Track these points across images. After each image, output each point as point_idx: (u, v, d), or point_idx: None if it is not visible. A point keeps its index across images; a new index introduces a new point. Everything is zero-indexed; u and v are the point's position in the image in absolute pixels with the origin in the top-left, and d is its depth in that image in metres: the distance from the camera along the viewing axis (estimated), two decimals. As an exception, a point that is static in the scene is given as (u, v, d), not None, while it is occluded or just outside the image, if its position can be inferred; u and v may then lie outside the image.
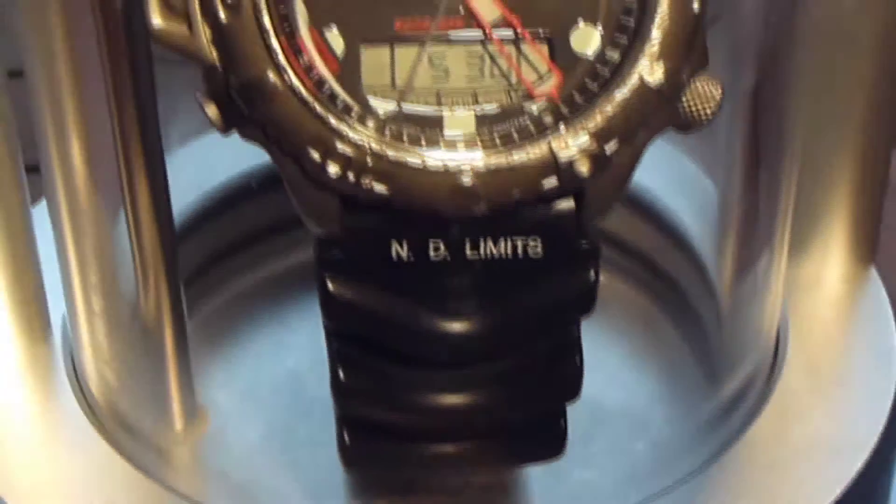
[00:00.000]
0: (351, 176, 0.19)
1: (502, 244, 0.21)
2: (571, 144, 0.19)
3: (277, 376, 0.31)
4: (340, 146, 0.19)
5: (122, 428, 0.29)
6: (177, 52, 0.19)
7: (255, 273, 0.34)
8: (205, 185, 0.33)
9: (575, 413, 0.24)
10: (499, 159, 0.19)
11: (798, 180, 0.29)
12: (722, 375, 0.30)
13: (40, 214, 0.27)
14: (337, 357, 0.22)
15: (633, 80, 0.19)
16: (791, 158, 0.28)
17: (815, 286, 0.34)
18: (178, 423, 0.28)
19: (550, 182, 0.19)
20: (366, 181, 0.19)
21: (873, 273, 0.33)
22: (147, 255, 0.25)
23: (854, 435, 0.29)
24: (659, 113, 0.20)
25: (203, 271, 0.32)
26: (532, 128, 0.19)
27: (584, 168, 0.19)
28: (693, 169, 0.33)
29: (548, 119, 0.19)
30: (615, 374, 0.32)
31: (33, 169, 0.26)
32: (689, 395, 0.32)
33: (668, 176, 0.32)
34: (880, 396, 0.30)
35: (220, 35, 0.18)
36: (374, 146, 0.19)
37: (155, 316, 0.26)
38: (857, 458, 0.28)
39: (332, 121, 0.19)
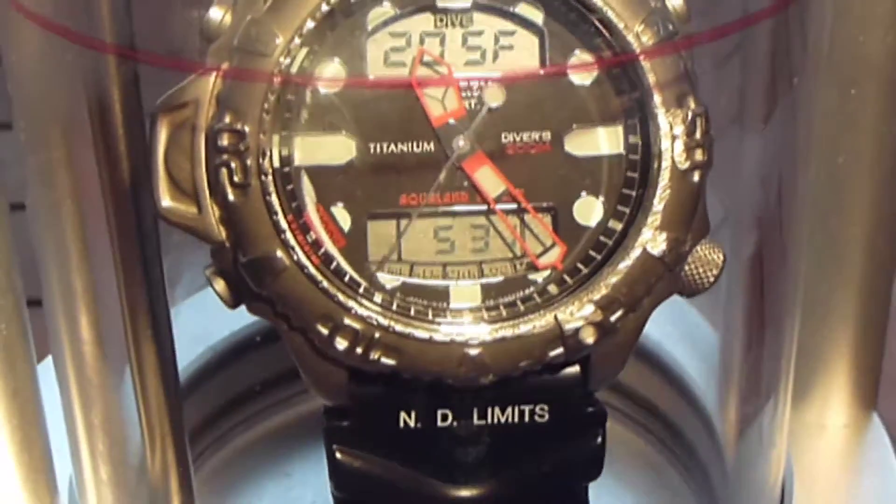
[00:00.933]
0: (359, 350, 0.19)
1: (509, 411, 0.20)
2: (577, 315, 0.19)
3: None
4: (348, 321, 0.19)
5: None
6: (185, 231, 0.19)
7: (261, 424, 0.33)
8: (210, 338, 0.32)
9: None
10: (505, 331, 0.19)
11: (799, 330, 0.29)
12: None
13: (46, 370, 0.27)
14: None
15: (636, 251, 0.19)
16: (792, 310, 0.28)
17: (819, 434, 0.33)
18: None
19: (556, 352, 0.19)
20: (374, 354, 0.19)
21: (875, 419, 0.33)
22: (153, 418, 0.25)
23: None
24: (662, 281, 0.20)
25: (210, 423, 0.32)
26: (537, 298, 0.19)
27: (589, 337, 0.19)
28: (697, 319, 0.32)
29: (552, 289, 0.19)
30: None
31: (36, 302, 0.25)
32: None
33: (671, 326, 0.32)
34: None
35: (229, 214, 0.19)
36: (382, 320, 0.19)
37: (162, 478, 0.26)
38: None
39: (340, 296, 0.19)
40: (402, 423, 0.20)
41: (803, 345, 0.31)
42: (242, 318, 0.33)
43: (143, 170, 0.21)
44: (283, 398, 0.34)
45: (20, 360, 0.26)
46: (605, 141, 0.19)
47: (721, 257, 0.20)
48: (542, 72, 0.19)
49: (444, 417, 0.20)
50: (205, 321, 0.32)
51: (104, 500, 0.26)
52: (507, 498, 0.21)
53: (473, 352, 0.19)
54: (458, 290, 0.20)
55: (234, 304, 0.20)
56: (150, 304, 0.24)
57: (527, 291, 0.20)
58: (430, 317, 0.19)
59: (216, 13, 0.18)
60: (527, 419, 0.20)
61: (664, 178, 0.19)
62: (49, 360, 0.26)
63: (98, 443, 0.25)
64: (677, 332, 0.32)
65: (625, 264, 0.19)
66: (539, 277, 0.20)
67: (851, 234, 0.29)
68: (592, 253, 0.19)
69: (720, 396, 0.32)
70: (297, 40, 0.18)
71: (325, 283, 0.19)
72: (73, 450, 0.26)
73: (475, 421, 0.20)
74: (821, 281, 0.30)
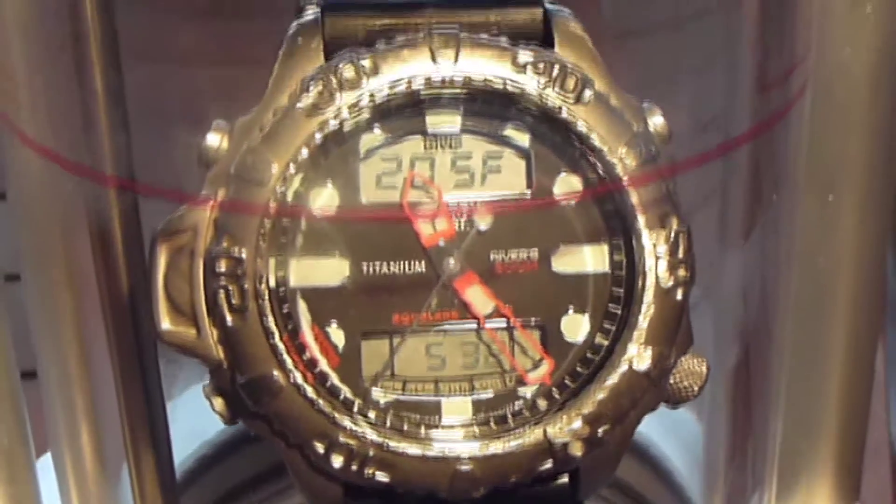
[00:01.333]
0: (354, 466, 0.19)
1: None
2: (565, 430, 0.19)
3: None
4: (343, 438, 0.19)
5: None
6: (183, 353, 0.19)
7: None
8: (206, 433, 0.32)
9: None
10: (495, 446, 0.19)
11: (783, 429, 0.29)
12: None
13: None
14: None
15: (622, 367, 0.19)
16: (775, 406, 0.28)
17: None
18: None
19: (546, 465, 0.19)
20: (368, 471, 0.19)
21: None
22: None
23: None
24: (648, 394, 0.20)
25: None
26: (526, 413, 0.20)
27: (577, 451, 0.19)
28: (684, 415, 0.32)
29: (541, 404, 0.20)
30: None
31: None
32: None
33: (658, 419, 0.32)
34: None
35: (227, 336, 0.19)
36: (376, 437, 0.19)
37: None
38: None
39: (335, 415, 0.19)
40: None
41: (787, 442, 0.31)
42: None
43: (142, 289, 0.21)
44: (278, 490, 0.34)
45: (21, 469, 0.26)
46: (590, 259, 0.20)
47: (705, 368, 0.20)
48: (529, 198, 0.19)
49: None
50: (201, 415, 0.33)
51: None
52: None
53: (465, 467, 0.19)
54: (449, 404, 0.20)
55: (231, 420, 0.20)
56: (148, 408, 0.24)
57: (516, 406, 0.20)
58: (423, 432, 0.19)
59: (213, 139, 0.19)
60: None
61: (648, 296, 0.19)
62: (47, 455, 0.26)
63: None
64: (665, 428, 0.33)
65: (611, 380, 0.19)
66: (528, 392, 0.20)
67: (832, 339, 0.30)
68: (580, 368, 0.20)
69: (706, 490, 0.32)
70: (292, 168, 0.18)
71: (321, 403, 0.19)
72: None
73: None
74: (803, 383, 0.30)
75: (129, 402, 0.23)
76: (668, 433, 0.33)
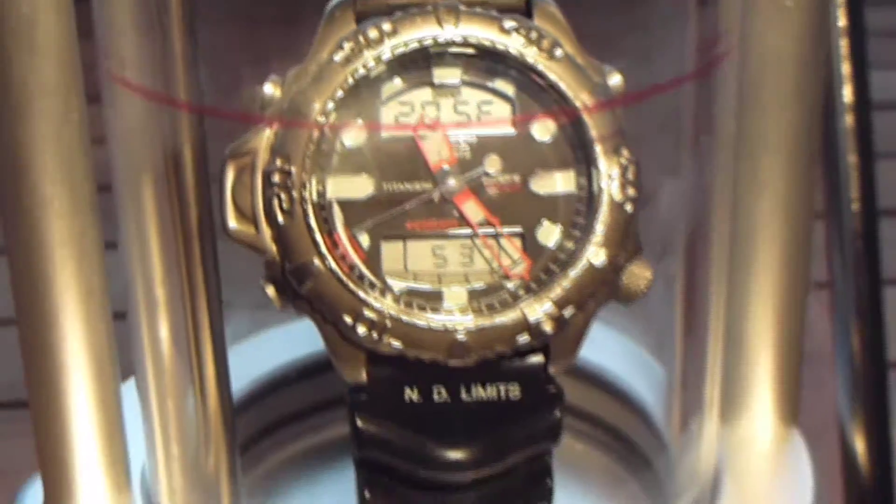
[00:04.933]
0: (374, 335, 0.23)
1: (489, 389, 0.24)
2: (539, 311, 0.23)
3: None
4: (367, 313, 0.23)
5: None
6: (246, 247, 0.23)
7: (295, 446, 0.37)
8: (255, 374, 0.36)
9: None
10: (484, 322, 0.23)
11: (725, 356, 0.33)
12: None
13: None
14: (364, 482, 0.25)
15: (583, 263, 0.23)
16: (716, 338, 0.32)
17: (748, 446, 0.35)
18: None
19: (523, 338, 0.23)
20: (385, 339, 0.23)
21: (796, 434, 0.36)
22: (211, 428, 0.29)
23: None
24: (604, 288, 0.24)
25: (256, 441, 0.35)
26: (509, 299, 0.23)
27: (548, 327, 0.23)
28: (649, 360, 0.37)
29: (521, 292, 0.24)
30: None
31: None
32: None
33: (627, 360, 0.36)
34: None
35: (279, 233, 0.23)
36: (393, 313, 0.23)
37: (215, 476, 0.30)
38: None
39: (361, 294, 0.23)
40: (406, 398, 0.24)
41: (729, 370, 0.34)
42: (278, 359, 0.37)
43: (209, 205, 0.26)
44: (314, 426, 0.37)
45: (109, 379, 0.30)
46: (560, 182, 0.24)
47: (650, 273, 0.24)
48: (513, 134, 0.24)
49: (439, 393, 0.24)
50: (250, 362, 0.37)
51: (174, 481, 0.30)
52: (489, 460, 0.24)
53: (460, 337, 0.23)
54: (449, 293, 0.24)
55: (281, 305, 0.24)
56: (213, 324, 0.28)
57: (501, 294, 0.24)
58: (428, 312, 0.23)
59: (269, 89, 0.23)
60: (503, 395, 0.24)
61: (604, 209, 0.23)
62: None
63: (171, 445, 0.29)
64: (635, 369, 0.36)
65: (575, 273, 0.23)
66: (511, 285, 0.24)
67: (764, 277, 0.32)
68: (551, 266, 0.24)
69: (667, 418, 0.35)
70: (330, 105, 0.22)
71: (351, 285, 0.23)
72: (149, 446, 0.30)
73: (463, 396, 0.24)
74: (742, 310, 0.33)
75: (196, 312, 0.28)
76: (640, 377, 0.36)
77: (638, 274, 0.24)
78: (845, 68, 0.39)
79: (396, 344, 0.23)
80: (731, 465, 0.35)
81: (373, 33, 0.23)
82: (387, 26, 0.23)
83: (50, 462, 0.30)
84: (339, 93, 0.22)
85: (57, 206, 0.26)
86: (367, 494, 0.25)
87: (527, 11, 0.24)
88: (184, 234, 0.26)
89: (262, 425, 0.37)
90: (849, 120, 0.40)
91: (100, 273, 0.28)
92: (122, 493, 0.32)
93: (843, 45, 0.39)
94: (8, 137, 0.26)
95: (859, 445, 0.42)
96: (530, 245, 0.24)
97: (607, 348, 0.36)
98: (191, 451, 0.30)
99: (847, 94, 0.40)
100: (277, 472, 0.36)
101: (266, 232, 0.23)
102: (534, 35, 0.23)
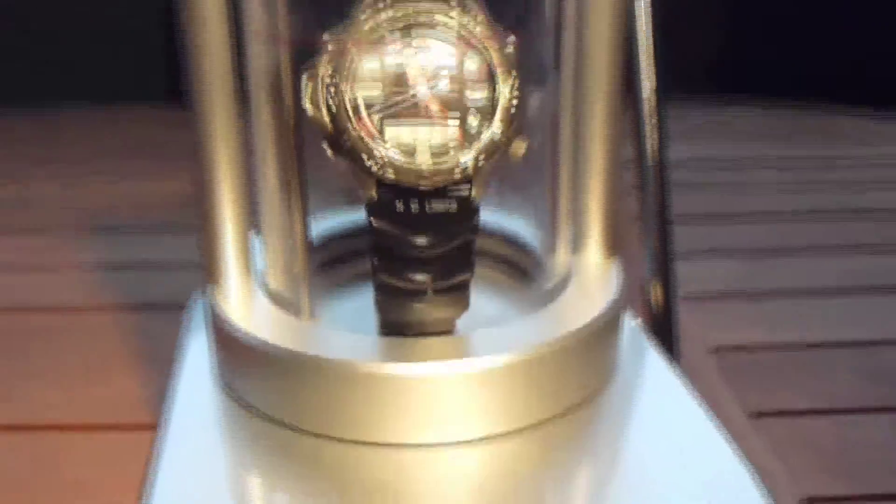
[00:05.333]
0: (380, 170, 0.39)
1: (441, 204, 0.39)
2: (466, 159, 0.39)
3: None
4: (376, 157, 0.39)
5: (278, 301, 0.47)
6: (314, 124, 0.39)
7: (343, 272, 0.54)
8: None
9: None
10: (439, 165, 0.39)
11: (572, 213, 0.49)
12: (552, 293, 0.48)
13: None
14: (374, 255, 0.41)
15: (489, 135, 0.39)
16: (565, 201, 0.48)
17: (586, 265, 0.50)
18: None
19: (457, 174, 0.39)
20: (385, 172, 0.39)
21: (615, 261, 0.50)
22: (298, 252, 0.46)
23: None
24: (500, 149, 0.39)
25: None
26: (451, 152, 0.39)
27: (471, 169, 0.39)
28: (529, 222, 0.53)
29: (457, 149, 0.39)
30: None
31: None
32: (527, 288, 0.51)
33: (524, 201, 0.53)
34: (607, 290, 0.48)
35: (331, 115, 0.39)
36: (388, 158, 0.39)
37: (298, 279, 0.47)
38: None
39: (373, 148, 0.38)
40: (397, 208, 0.38)
41: (576, 221, 0.50)
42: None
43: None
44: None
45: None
46: (480, 93, 0.38)
47: (525, 144, 0.40)
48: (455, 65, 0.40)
49: (414, 205, 0.38)
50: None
51: (276, 280, 0.47)
52: (441, 243, 0.39)
53: (426, 172, 0.38)
54: (420, 150, 0.38)
55: (335, 156, 0.39)
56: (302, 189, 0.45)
57: (447, 150, 0.38)
58: (408, 158, 0.38)
59: (326, 37, 0.38)
60: (449, 208, 0.38)
61: (502, 106, 0.38)
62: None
63: (276, 257, 0.47)
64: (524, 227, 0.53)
65: (485, 140, 0.38)
66: (452, 144, 0.38)
67: (595, 138, 0.48)
68: (473, 136, 0.38)
69: (542, 251, 0.51)
70: (356, 48, 0.38)
71: (369, 142, 0.37)
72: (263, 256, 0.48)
73: (426, 208, 0.38)
74: (581, 183, 0.49)
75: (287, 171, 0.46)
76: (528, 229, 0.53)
77: (518, 144, 0.40)
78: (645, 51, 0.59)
79: (391, 175, 0.38)
80: (576, 274, 0.50)
81: (382, 4, 0.38)
82: (388, 2, 0.38)
83: (210, 258, 0.47)
84: (363, 40, 0.39)
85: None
86: (375, 262, 0.41)
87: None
88: (283, 124, 0.44)
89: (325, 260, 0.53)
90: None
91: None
92: (247, 281, 0.48)
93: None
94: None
95: (655, 290, 0.61)
96: (463, 125, 0.38)
97: (504, 221, 0.53)
98: (286, 264, 0.46)
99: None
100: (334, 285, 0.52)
101: (325, 114, 0.38)
102: (466, 7, 0.38)
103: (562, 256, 0.50)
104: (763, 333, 0.88)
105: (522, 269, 0.53)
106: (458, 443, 0.41)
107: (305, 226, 0.46)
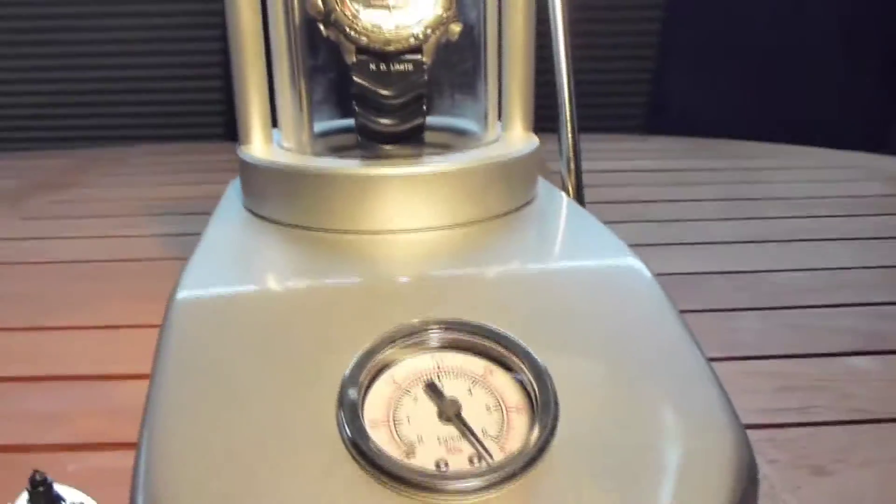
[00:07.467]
0: (358, 36, 0.54)
1: (401, 64, 0.54)
2: (418, 28, 0.56)
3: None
4: (356, 27, 0.55)
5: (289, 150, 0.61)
6: (311, 12, 0.57)
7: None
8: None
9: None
10: (399, 31, 0.55)
11: (501, 97, 0.65)
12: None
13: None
14: (355, 102, 0.53)
15: (434, 13, 0.56)
16: (493, 88, 0.64)
17: (511, 138, 0.62)
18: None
19: (413, 40, 0.55)
20: (363, 38, 0.55)
21: (531, 134, 0.63)
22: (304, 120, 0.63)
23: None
24: (443, 27, 0.56)
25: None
26: (410, 20, 0.56)
27: (422, 36, 0.55)
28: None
29: (412, 23, 0.57)
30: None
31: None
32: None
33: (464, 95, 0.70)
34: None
35: (325, 2, 0.56)
36: (365, 27, 0.55)
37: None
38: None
39: (353, 21, 0.55)
40: (371, 68, 0.51)
41: (503, 93, 0.64)
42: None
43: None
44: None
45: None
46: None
47: (460, 27, 0.57)
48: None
49: (383, 66, 0.51)
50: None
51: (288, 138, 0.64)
52: (402, 93, 0.51)
53: (389, 37, 0.54)
54: (385, 24, 0.54)
55: (325, 32, 0.57)
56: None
57: (406, 25, 0.56)
58: (380, 29, 0.57)
59: None
60: (406, 67, 0.52)
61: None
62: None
63: (288, 121, 0.63)
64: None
65: (432, 16, 0.54)
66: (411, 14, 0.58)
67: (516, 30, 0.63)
68: (424, 18, 0.56)
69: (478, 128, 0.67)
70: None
71: (350, 17, 0.55)
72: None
73: (392, 68, 0.51)
74: (507, 52, 0.63)
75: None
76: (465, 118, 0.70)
77: (455, 25, 0.57)
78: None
79: (365, 41, 0.54)
80: (503, 140, 0.62)
81: None
82: None
83: (242, 128, 0.61)
84: None
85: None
86: (356, 108, 0.53)
87: None
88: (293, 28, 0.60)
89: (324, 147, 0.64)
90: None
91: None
92: (267, 140, 0.62)
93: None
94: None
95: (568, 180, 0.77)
96: (416, 10, 0.53)
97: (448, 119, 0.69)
98: (295, 131, 0.62)
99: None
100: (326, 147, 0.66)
101: (319, 1, 0.55)
102: None
103: (491, 130, 0.63)
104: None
105: (464, 141, 0.64)
106: (416, 229, 0.54)
107: (310, 108, 0.61)
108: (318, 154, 0.59)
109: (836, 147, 1.92)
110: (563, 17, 0.74)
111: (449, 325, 0.42)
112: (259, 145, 0.61)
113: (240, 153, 0.60)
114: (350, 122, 0.56)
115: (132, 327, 0.87)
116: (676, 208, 1.41)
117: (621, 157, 1.91)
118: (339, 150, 0.60)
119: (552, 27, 0.74)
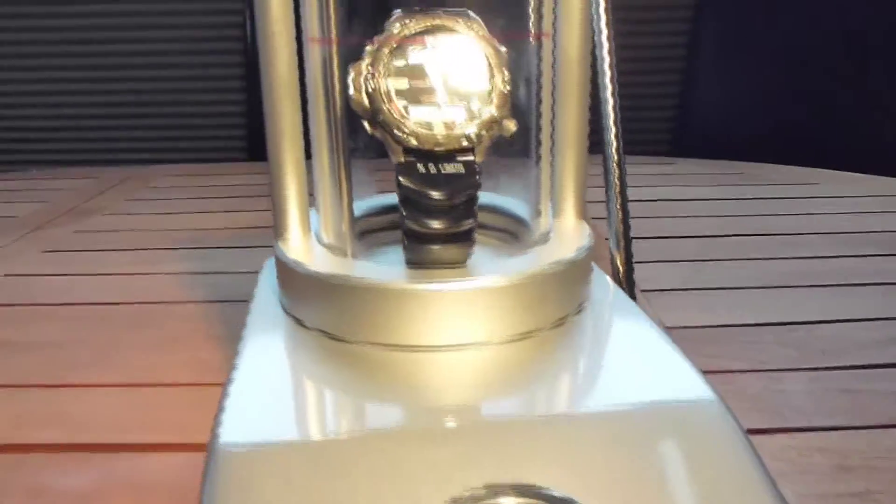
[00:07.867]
0: (406, 138, 0.49)
1: (452, 166, 0.48)
2: (471, 130, 0.50)
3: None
4: (404, 129, 0.50)
5: (329, 249, 0.57)
6: (355, 107, 0.52)
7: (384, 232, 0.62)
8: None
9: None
10: (449, 133, 0.49)
11: (553, 187, 0.60)
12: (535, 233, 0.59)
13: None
14: (402, 206, 0.47)
15: (488, 113, 0.50)
16: (546, 177, 0.58)
17: (563, 226, 0.59)
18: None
19: (465, 142, 0.49)
20: (412, 139, 0.49)
21: (585, 224, 0.59)
22: (344, 216, 0.58)
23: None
24: (496, 125, 0.50)
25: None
26: (459, 125, 0.50)
27: (474, 137, 0.49)
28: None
29: (464, 123, 0.51)
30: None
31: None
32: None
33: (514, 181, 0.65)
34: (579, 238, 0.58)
35: (370, 99, 0.50)
36: (413, 129, 0.49)
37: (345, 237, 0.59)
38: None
39: (402, 122, 0.50)
40: (420, 169, 0.46)
41: (555, 195, 0.60)
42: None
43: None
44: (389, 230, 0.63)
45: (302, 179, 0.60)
46: (480, 82, 0.49)
47: (514, 124, 0.52)
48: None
49: (433, 167, 0.46)
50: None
51: (329, 235, 0.59)
52: (453, 195, 0.46)
53: (440, 139, 0.46)
54: (436, 124, 0.49)
55: (372, 131, 0.51)
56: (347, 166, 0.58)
57: (456, 125, 0.47)
58: (428, 130, 0.49)
59: (368, 46, 0.51)
60: (458, 169, 0.46)
61: (497, 91, 0.49)
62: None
63: (328, 219, 0.59)
64: (514, 202, 0.64)
65: (485, 116, 0.46)
66: (461, 119, 0.47)
67: (569, 121, 0.60)
68: (475, 114, 0.49)
69: (530, 219, 0.62)
70: (387, 49, 0.51)
71: (398, 118, 0.45)
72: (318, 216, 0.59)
73: (443, 169, 0.46)
74: (559, 161, 0.59)
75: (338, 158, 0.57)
76: (518, 190, 0.62)
77: (509, 123, 0.52)
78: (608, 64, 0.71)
79: (414, 143, 0.45)
80: (556, 231, 0.58)
81: (407, 22, 0.51)
82: (411, 20, 0.51)
83: (278, 220, 0.57)
84: (393, 45, 0.52)
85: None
86: (403, 212, 0.47)
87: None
88: (335, 112, 0.56)
89: (363, 229, 0.61)
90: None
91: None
92: (306, 236, 0.58)
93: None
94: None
95: (619, 255, 0.72)
96: (468, 108, 0.46)
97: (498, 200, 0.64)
98: (335, 225, 0.57)
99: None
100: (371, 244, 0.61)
101: (365, 98, 0.46)
102: (472, 21, 0.50)
103: (543, 221, 0.59)
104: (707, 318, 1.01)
105: (515, 234, 0.61)
106: (466, 345, 0.51)
107: (350, 201, 0.56)
108: (360, 252, 0.56)
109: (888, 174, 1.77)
110: (614, 104, 0.69)
111: (523, 493, 0.38)
112: (296, 239, 0.59)
113: (276, 250, 0.58)
114: (393, 198, 0.52)
115: (153, 386, 0.87)
116: (709, 245, 1.35)
117: (646, 182, 1.85)
118: (382, 246, 0.58)
119: (602, 114, 0.70)
